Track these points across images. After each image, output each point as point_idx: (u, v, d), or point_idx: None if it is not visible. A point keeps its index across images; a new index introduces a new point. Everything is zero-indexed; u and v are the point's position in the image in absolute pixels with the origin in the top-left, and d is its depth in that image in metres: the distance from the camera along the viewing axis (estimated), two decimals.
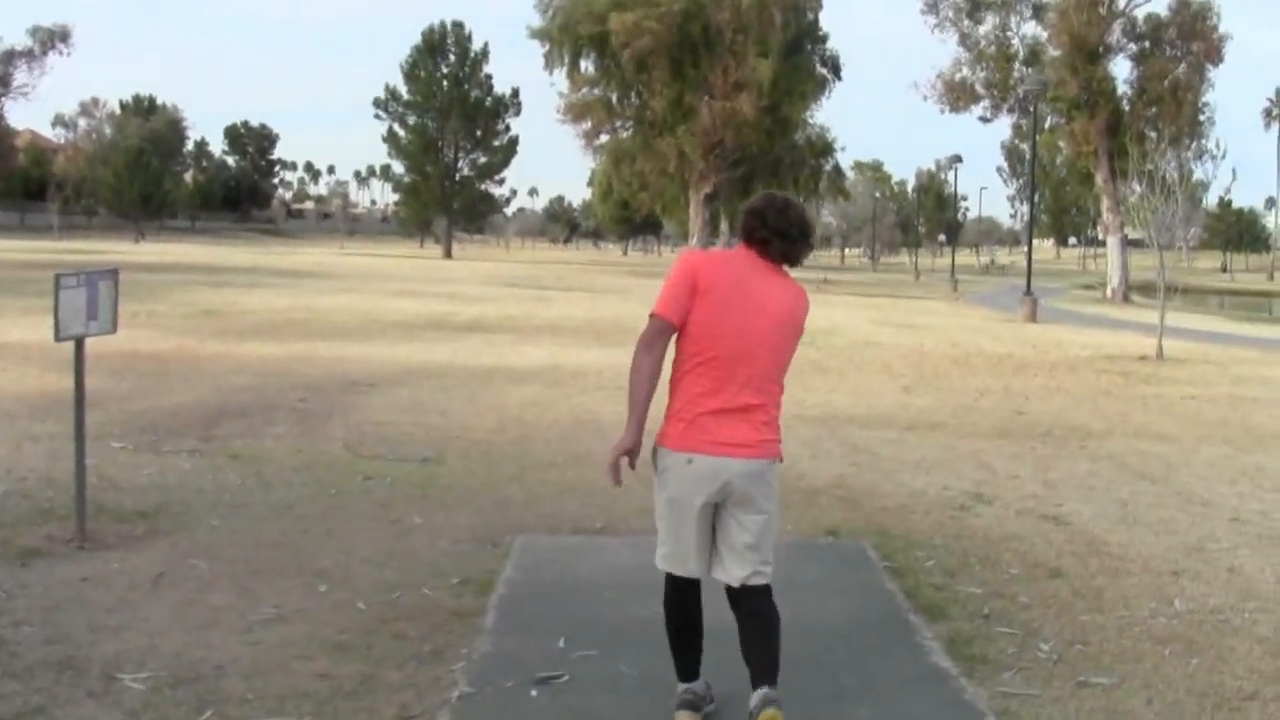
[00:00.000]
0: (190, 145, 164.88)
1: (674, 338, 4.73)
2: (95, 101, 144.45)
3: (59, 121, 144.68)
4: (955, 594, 6.86)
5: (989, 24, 65.87)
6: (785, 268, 4.85)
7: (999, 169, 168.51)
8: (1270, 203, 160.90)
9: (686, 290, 4.66)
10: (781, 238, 4.76)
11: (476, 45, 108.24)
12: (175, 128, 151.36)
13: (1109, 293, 63.76)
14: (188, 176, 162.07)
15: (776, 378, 4.78)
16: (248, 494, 8.92)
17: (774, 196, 4.91)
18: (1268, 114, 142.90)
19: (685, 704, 4.91)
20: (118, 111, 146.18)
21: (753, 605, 4.75)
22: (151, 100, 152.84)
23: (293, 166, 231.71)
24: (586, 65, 71.08)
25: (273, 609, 6.20)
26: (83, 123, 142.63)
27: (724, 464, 4.64)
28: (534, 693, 5.14)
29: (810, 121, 77.08)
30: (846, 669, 5.54)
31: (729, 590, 4.80)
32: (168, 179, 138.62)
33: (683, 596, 4.93)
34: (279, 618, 6.08)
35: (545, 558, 7.32)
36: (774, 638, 4.74)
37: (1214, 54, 62.45)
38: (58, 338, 7.23)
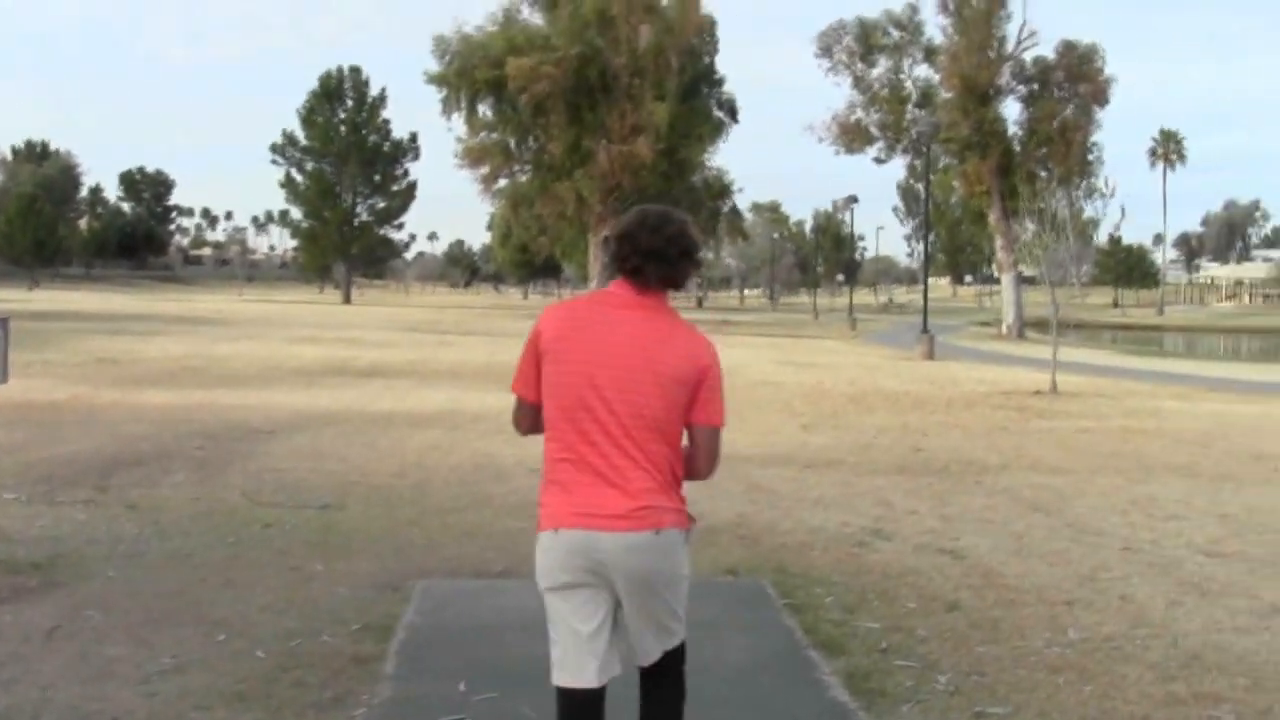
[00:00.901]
0: (85, 191, 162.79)
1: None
2: None
3: None
4: (854, 629, 6.92)
5: (882, 67, 67.01)
6: (669, 298, 4.09)
7: (895, 208, 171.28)
8: (1158, 239, 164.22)
9: (533, 357, 4.10)
10: (658, 260, 3.97)
11: (374, 90, 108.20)
12: (69, 174, 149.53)
13: (1004, 329, 64.75)
14: (82, 223, 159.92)
15: (655, 437, 3.92)
16: (145, 543, 8.81)
17: (647, 212, 4.11)
18: (1153, 153, 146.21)
19: None
20: (9, 157, 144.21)
21: (660, 673, 4.20)
22: (44, 145, 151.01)
23: (190, 212, 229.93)
24: (484, 110, 71.21)
25: (170, 659, 6.13)
26: None
27: (595, 540, 3.89)
28: None
29: (708, 164, 77.83)
30: (747, 707, 5.58)
31: (642, 675, 4.20)
32: (62, 226, 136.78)
33: (575, 712, 4.09)
34: (176, 668, 6.01)
35: (446, 601, 7.30)
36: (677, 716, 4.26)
37: (1100, 95, 63.87)
38: None
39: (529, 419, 4.18)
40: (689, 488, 4.13)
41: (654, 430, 3.92)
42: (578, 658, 4.01)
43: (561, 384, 3.96)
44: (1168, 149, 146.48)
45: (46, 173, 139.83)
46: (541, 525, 4.00)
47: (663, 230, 4.00)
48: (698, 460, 4.12)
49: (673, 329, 4.01)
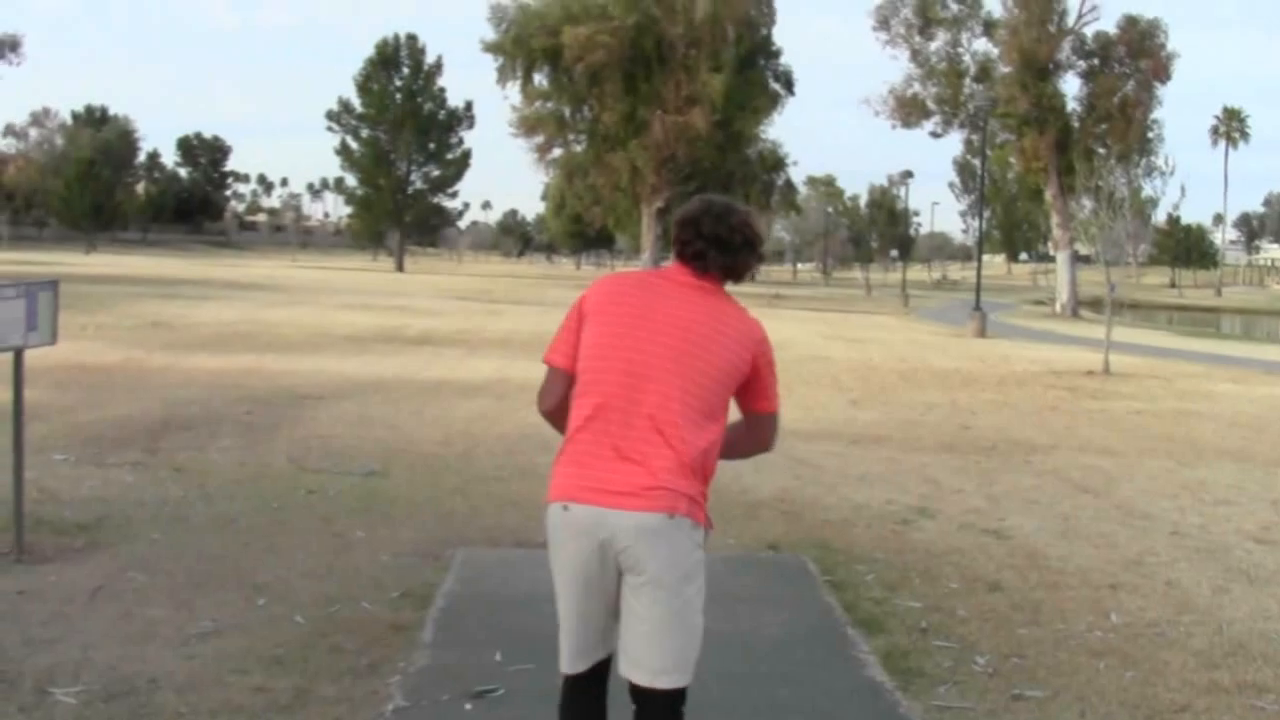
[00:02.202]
0: (142, 157, 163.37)
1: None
2: (46, 112, 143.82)
3: (9, 131, 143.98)
4: (894, 608, 6.89)
5: (940, 40, 66.38)
6: (728, 287, 3.92)
7: (951, 184, 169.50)
8: (1218, 219, 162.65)
9: (574, 325, 3.87)
10: (721, 248, 3.82)
11: (430, 58, 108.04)
12: (127, 139, 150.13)
13: (1058, 308, 64.27)
14: (139, 188, 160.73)
15: (691, 420, 3.66)
16: (189, 507, 8.87)
17: (712, 201, 3.94)
18: (1215, 131, 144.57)
19: None
20: (69, 122, 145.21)
21: (653, 714, 3.73)
22: (103, 111, 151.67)
23: (246, 179, 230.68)
24: (539, 79, 71.16)
25: (210, 622, 6.17)
26: (34, 133, 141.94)
27: (603, 517, 3.61)
28: (469, 706, 5.13)
29: (762, 136, 77.50)
30: (783, 682, 5.55)
31: (630, 687, 3.73)
32: (119, 190, 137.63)
33: (576, 704, 3.91)
34: (216, 631, 6.04)
35: (486, 571, 7.31)
36: None
37: (1162, 72, 63.14)
38: None
39: (558, 391, 3.88)
40: (735, 467, 4.01)
41: (692, 412, 3.67)
42: (573, 641, 3.83)
43: (601, 345, 3.75)
44: (1230, 127, 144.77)
45: (105, 138, 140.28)
46: (550, 496, 3.74)
47: (727, 219, 3.85)
48: (748, 444, 4.03)
49: (727, 310, 3.83)
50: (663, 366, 3.67)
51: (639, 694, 3.70)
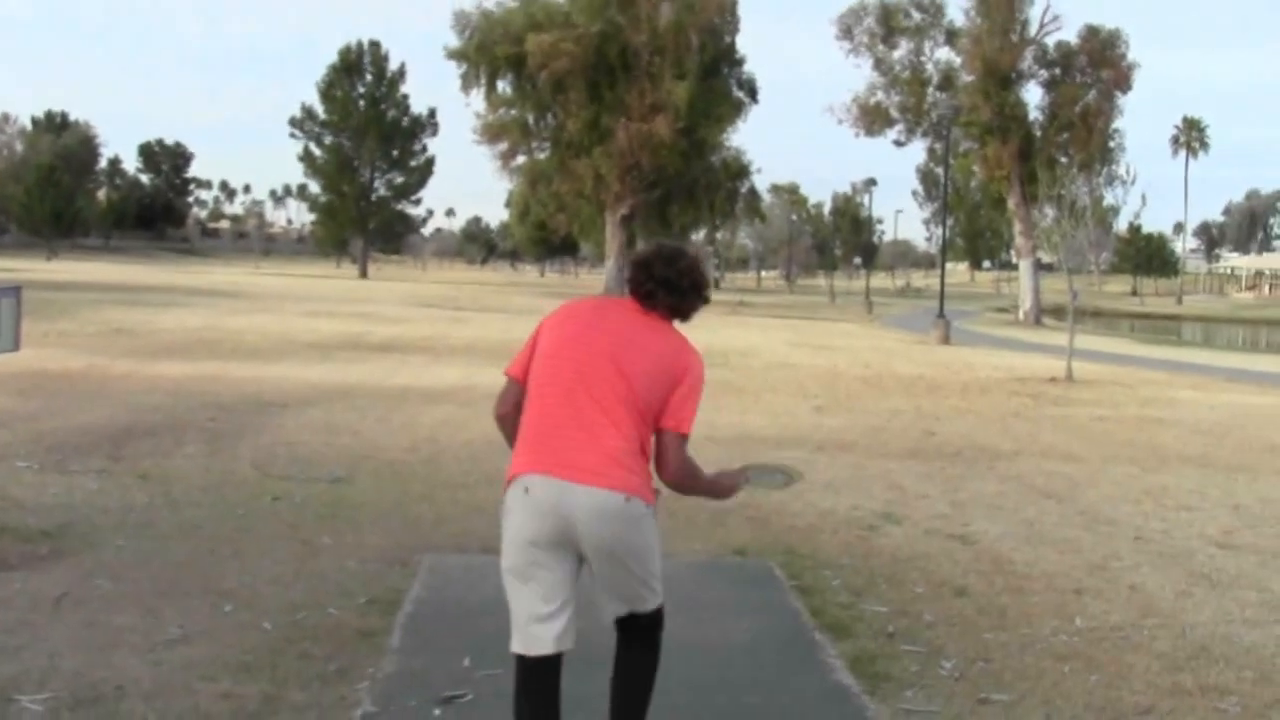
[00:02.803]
0: (103, 163, 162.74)
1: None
2: (5, 117, 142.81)
3: None
4: (861, 613, 6.92)
5: (903, 49, 66.84)
6: (676, 324, 4.40)
7: (914, 192, 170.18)
8: (1178, 228, 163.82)
9: (531, 344, 4.39)
10: (669, 289, 4.30)
11: (394, 65, 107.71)
12: (88, 144, 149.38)
13: (1021, 315, 64.67)
14: (101, 194, 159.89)
15: (633, 413, 4.13)
16: (155, 514, 8.83)
17: (663, 245, 4.47)
18: (1175, 141, 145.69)
19: None
20: (29, 128, 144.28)
21: (635, 634, 4.43)
22: (64, 116, 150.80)
23: (208, 185, 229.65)
24: (503, 86, 71.17)
25: (177, 629, 6.14)
26: None
27: (567, 491, 4.02)
28: (437, 712, 5.13)
29: (726, 144, 77.57)
30: (750, 688, 5.57)
31: (616, 621, 4.40)
32: (80, 197, 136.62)
33: (531, 686, 4.25)
34: (183, 638, 6.02)
35: (453, 577, 7.31)
36: (645, 685, 4.47)
37: (1123, 81, 63.67)
38: None
39: (512, 399, 4.38)
40: (702, 466, 4.35)
41: (633, 407, 4.13)
42: (536, 631, 4.17)
43: (557, 345, 4.26)
44: (1190, 137, 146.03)
45: (65, 144, 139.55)
46: (509, 479, 4.16)
47: (676, 263, 4.34)
48: (662, 465, 4.28)
49: (669, 334, 4.34)
50: (613, 363, 4.15)
51: (623, 622, 4.39)
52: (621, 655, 4.46)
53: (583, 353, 4.19)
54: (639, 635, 4.43)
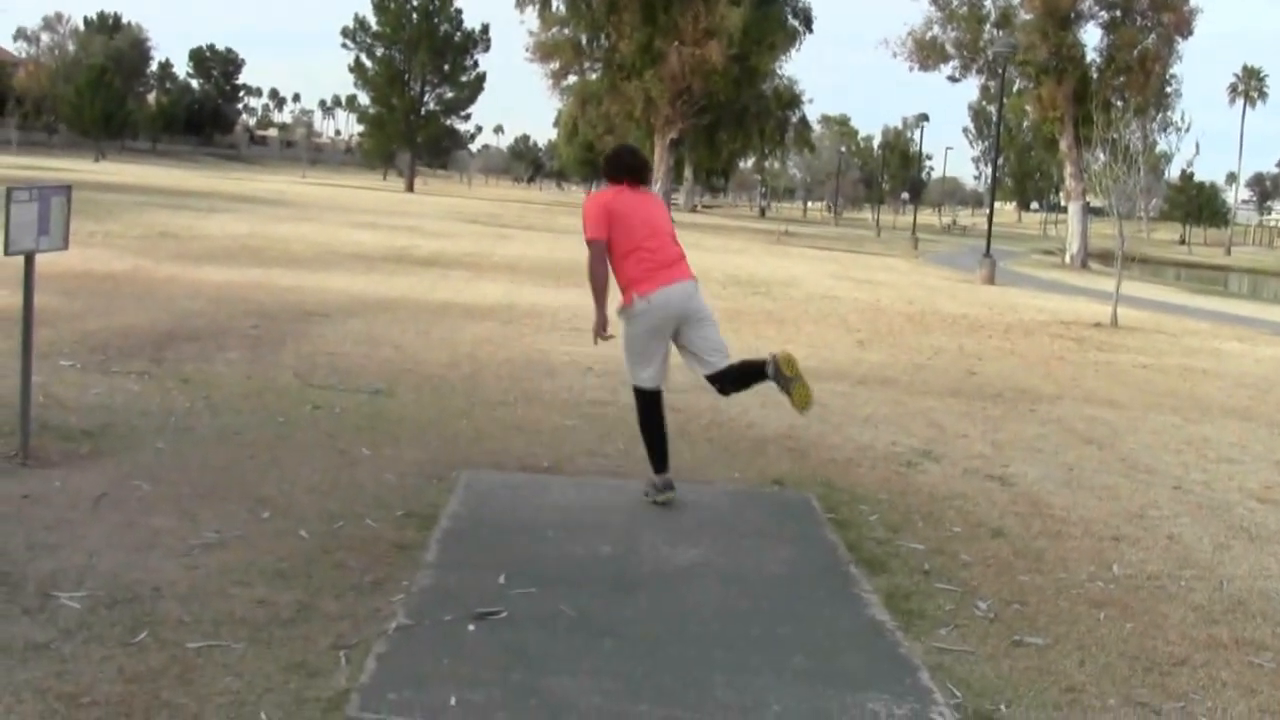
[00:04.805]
0: (154, 66, 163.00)
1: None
2: (59, 16, 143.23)
3: (21, 35, 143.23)
4: (897, 549, 6.89)
5: None
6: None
7: (965, 130, 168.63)
8: (1231, 178, 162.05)
9: (605, 217, 7.19)
10: (645, 171, 7.61)
11: None
12: (139, 47, 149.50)
13: (1068, 259, 64.04)
14: (150, 98, 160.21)
15: (674, 240, 7.41)
16: (195, 418, 8.87)
17: (627, 147, 7.94)
18: (1233, 89, 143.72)
19: (668, 485, 7.30)
20: (81, 28, 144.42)
21: (723, 376, 7.38)
22: (116, 18, 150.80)
23: (258, 93, 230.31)
24: (558, 4, 70.73)
25: (214, 534, 6.17)
26: (45, 38, 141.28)
27: (682, 286, 7.22)
28: (471, 628, 5.13)
29: (779, 72, 77.15)
30: (784, 618, 5.56)
31: (711, 381, 7.43)
32: (130, 99, 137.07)
33: (656, 404, 7.36)
34: (219, 543, 6.05)
35: (490, 494, 7.31)
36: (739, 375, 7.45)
37: (1183, 26, 62.58)
38: (7, 252, 7.12)
39: (605, 255, 7.19)
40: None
41: (673, 237, 7.46)
42: (658, 371, 7.32)
43: (634, 222, 7.23)
44: (1249, 86, 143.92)
45: (117, 45, 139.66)
46: (642, 292, 7.10)
47: (638, 156, 7.68)
48: None
49: (649, 193, 7.64)
50: (660, 220, 7.46)
51: (715, 374, 7.39)
52: (724, 380, 7.46)
53: (644, 215, 7.30)
54: (722, 375, 7.40)
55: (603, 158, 7.73)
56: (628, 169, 7.46)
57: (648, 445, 7.41)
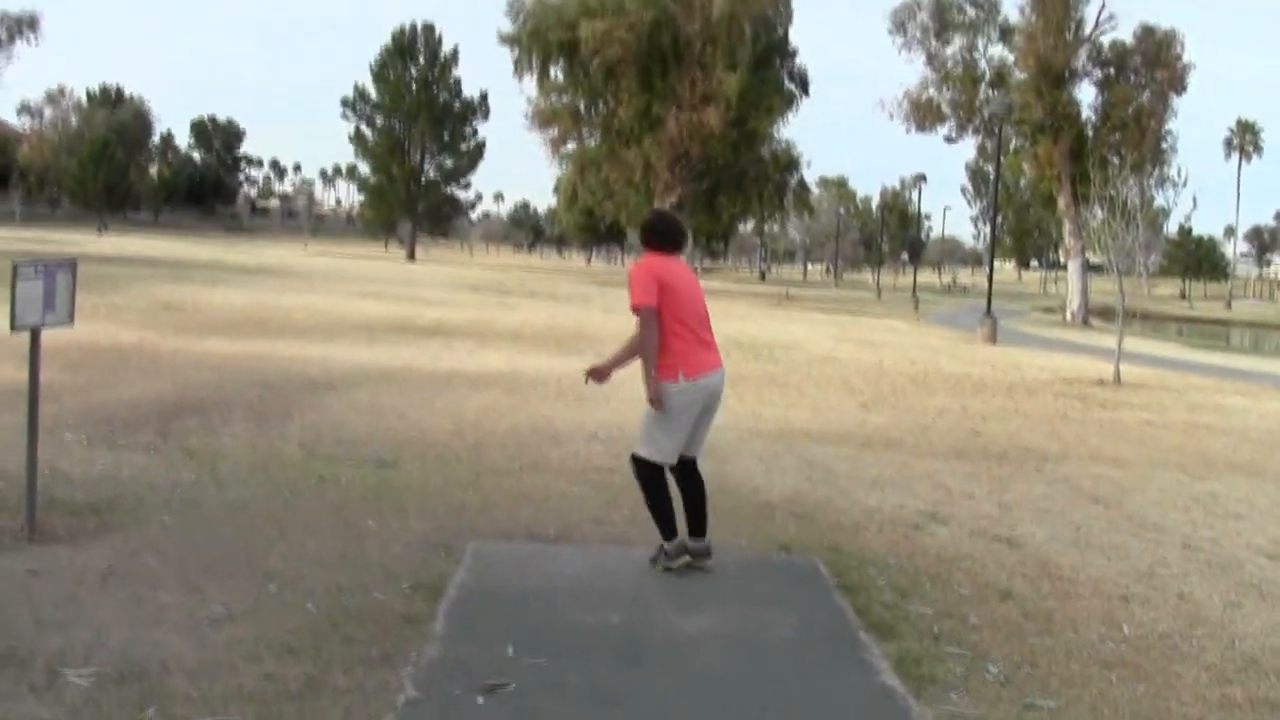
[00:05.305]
0: (156, 138, 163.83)
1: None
2: (62, 90, 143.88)
3: (25, 109, 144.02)
4: (906, 613, 6.86)
5: (956, 45, 66.31)
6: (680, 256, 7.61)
7: (963, 189, 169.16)
8: (1229, 231, 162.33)
9: (656, 284, 7.13)
10: (682, 240, 7.64)
11: (446, 48, 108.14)
12: (141, 120, 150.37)
13: (1069, 316, 64.19)
14: (153, 170, 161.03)
15: (709, 324, 7.47)
16: (201, 491, 8.86)
17: (667, 213, 7.98)
18: (1228, 143, 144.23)
19: (680, 550, 7.31)
20: (84, 102, 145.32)
21: (695, 474, 7.50)
22: (118, 91, 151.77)
23: (259, 163, 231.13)
24: (555, 72, 71.23)
25: (221, 608, 6.16)
26: (49, 111, 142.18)
27: (720, 375, 7.40)
28: (481, 700, 5.12)
29: (777, 136, 77.39)
30: (794, 685, 5.54)
31: (682, 466, 7.41)
32: (133, 171, 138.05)
33: (661, 473, 7.32)
34: (228, 617, 6.03)
35: (498, 564, 7.30)
36: (705, 499, 7.50)
37: (1177, 82, 63.02)
38: (13, 328, 7.16)
39: (655, 320, 7.12)
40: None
41: (709, 318, 7.49)
42: (676, 447, 7.28)
43: (681, 296, 7.23)
44: (1244, 140, 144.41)
45: (120, 118, 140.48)
46: (690, 373, 7.15)
47: (677, 224, 7.66)
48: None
49: (692, 270, 7.75)
50: (701, 302, 7.44)
51: (693, 465, 7.50)
52: (687, 485, 7.46)
53: (689, 291, 7.31)
54: (694, 469, 7.51)
55: (641, 226, 7.61)
56: (669, 237, 7.44)
57: (656, 512, 7.32)
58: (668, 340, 7.13)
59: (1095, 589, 7.69)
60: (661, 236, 7.41)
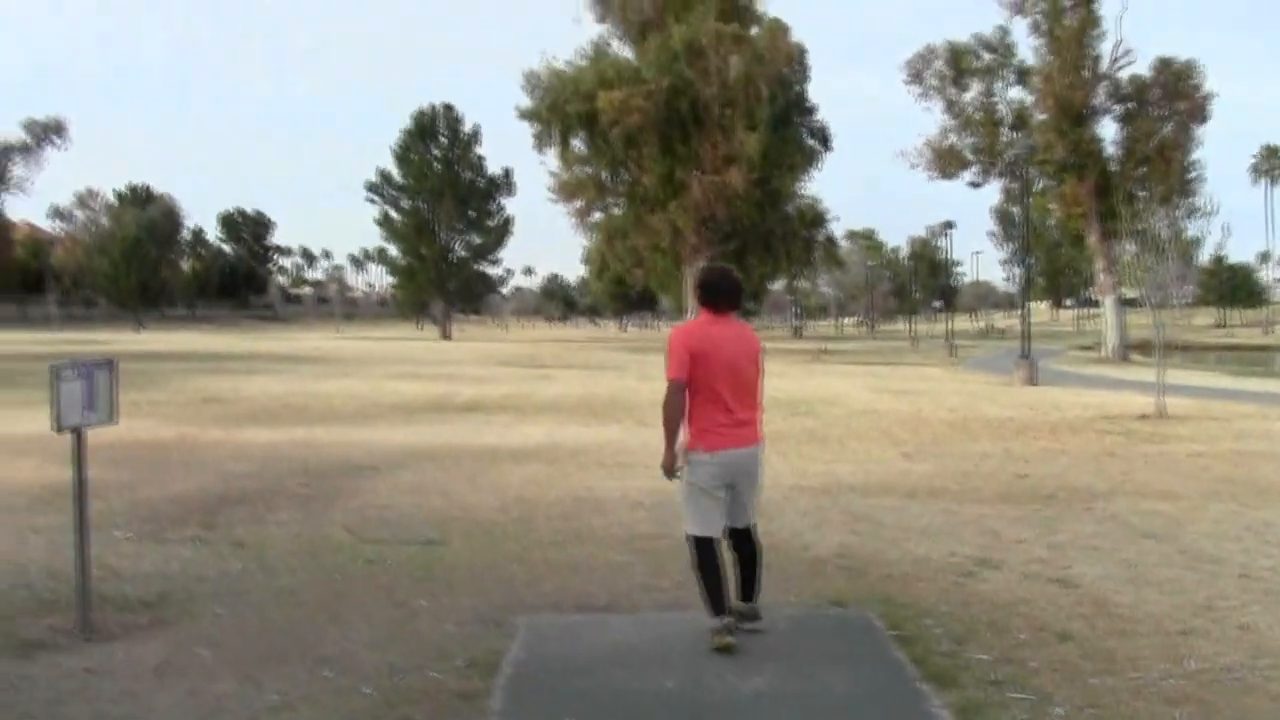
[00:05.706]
0: (186, 233, 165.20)
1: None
2: (91, 192, 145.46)
3: (55, 213, 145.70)
4: (964, 661, 6.80)
5: (974, 90, 66.58)
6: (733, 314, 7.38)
7: (990, 233, 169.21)
8: (1263, 257, 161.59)
9: (687, 355, 7.03)
10: (731, 296, 7.36)
11: (467, 127, 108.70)
12: (171, 216, 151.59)
13: (1107, 352, 63.86)
14: (185, 264, 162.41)
15: (754, 393, 7.31)
16: (251, 580, 8.88)
17: (713, 268, 7.58)
18: (1255, 169, 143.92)
19: (727, 629, 7.01)
20: (114, 202, 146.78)
21: (749, 540, 7.40)
22: (147, 190, 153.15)
23: (289, 252, 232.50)
24: (576, 144, 71.70)
25: (278, 696, 6.15)
26: (79, 214, 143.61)
27: (749, 452, 7.21)
28: None
29: (801, 193, 77.66)
30: None
31: (735, 533, 7.31)
32: (165, 267, 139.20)
33: (711, 549, 7.12)
34: (284, 705, 6.03)
35: (551, 637, 7.28)
36: (760, 564, 7.45)
37: (1198, 112, 62.98)
38: (57, 429, 7.21)
39: (683, 395, 7.05)
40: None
41: (753, 390, 7.34)
42: (715, 520, 7.16)
43: (715, 366, 7.05)
44: (1271, 164, 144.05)
45: (150, 216, 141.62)
46: (708, 447, 7.06)
47: (730, 278, 7.40)
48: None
49: (743, 328, 7.41)
50: (741, 369, 7.20)
51: (737, 534, 7.35)
52: (743, 553, 7.42)
53: (728, 357, 7.11)
54: (749, 537, 7.41)
55: (694, 282, 7.45)
56: (720, 291, 7.27)
57: (702, 586, 7.13)
58: (695, 410, 7.07)
59: (1154, 625, 7.61)
60: (712, 291, 7.27)
